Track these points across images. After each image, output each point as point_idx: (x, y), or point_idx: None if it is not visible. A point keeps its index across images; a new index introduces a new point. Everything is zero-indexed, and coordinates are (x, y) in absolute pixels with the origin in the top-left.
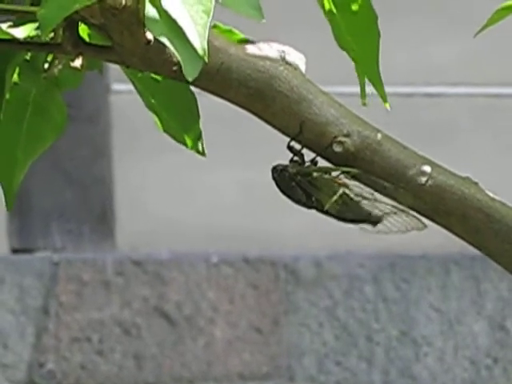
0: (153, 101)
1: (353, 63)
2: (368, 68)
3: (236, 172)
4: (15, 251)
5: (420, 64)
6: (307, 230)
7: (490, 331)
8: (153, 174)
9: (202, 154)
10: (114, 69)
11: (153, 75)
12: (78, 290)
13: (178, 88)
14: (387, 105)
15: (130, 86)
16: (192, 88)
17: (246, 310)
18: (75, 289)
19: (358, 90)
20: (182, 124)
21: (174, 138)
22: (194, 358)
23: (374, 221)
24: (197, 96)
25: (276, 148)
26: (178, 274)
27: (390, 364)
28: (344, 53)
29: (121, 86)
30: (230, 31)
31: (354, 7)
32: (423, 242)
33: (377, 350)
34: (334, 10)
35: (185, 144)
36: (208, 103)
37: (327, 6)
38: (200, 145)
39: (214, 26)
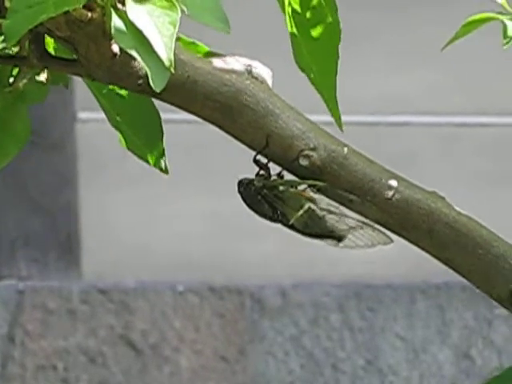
0: (117, 118)
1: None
2: (325, 90)
3: (202, 201)
4: None
5: (384, 93)
6: (273, 259)
7: (456, 360)
8: (119, 202)
9: (165, 171)
10: (81, 96)
11: (118, 91)
12: (43, 318)
13: (143, 105)
14: (342, 128)
15: (97, 115)
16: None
17: (211, 338)
18: (41, 317)
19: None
20: (146, 141)
21: (137, 155)
22: None
23: (338, 237)
24: (163, 124)
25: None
26: (144, 302)
27: None
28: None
29: (87, 115)
30: (193, 43)
31: (317, 30)
32: (388, 271)
33: (342, 379)
34: (296, 32)
35: (147, 161)
36: (175, 131)
37: (290, 29)
38: (163, 162)
39: (178, 39)
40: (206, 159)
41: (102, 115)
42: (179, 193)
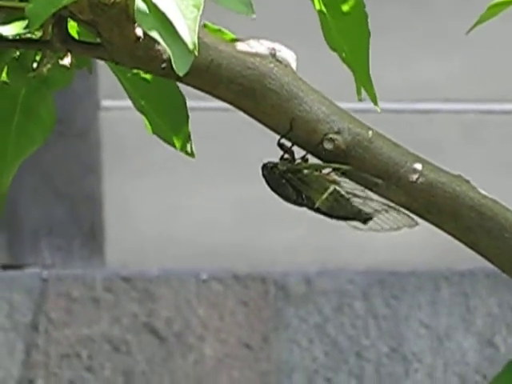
0: (142, 102)
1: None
2: (358, 69)
3: (225, 189)
4: (4, 267)
5: (410, 80)
6: (297, 246)
7: (480, 347)
8: (142, 190)
9: (191, 155)
10: (104, 85)
11: (142, 76)
12: (67, 306)
13: (168, 89)
14: (378, 107)
15: (120, 103)
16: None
17: (235, 326)
18: (65, 305)
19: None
20: (171, 125)
21: (163, 139)
22: (183, 375)
23: (365, 218)
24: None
25: None
26: (168, 290)
27: (379, 380)
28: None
29: (111, 103)
30: (219, 31)
31: (345, 7)
32: (412, 258)
33: (367, 367)
34: (325, 10)
35: (174, 145)
36: (197, 119)
37: (318, 6)
38: (189, 146)
39: (204, 26)
40: (229, 147)
41: (126, 103)
42: (203, 180)
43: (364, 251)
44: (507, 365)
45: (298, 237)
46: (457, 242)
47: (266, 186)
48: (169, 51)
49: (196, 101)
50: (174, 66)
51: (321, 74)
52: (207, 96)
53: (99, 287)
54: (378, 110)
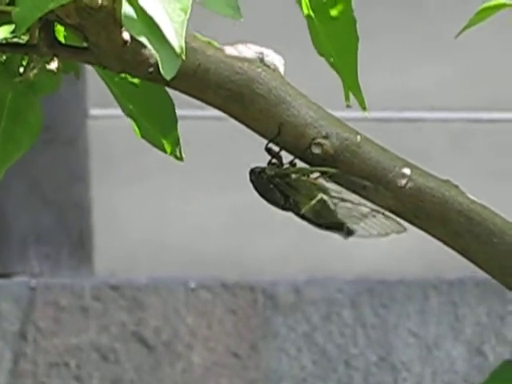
0: (130, 106)
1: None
2: (346, 74)
3: (214, 198)
4: None
5: (397, 89)
6: (285, 255)
7: (468, 356)
8: (130, 198)
9: (180, 158)
10: (92, 93)
11: (130, 80)
12: (55, 315)
13: (156, 93)
14: (366, 111)
15: (108, 111)
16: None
17: (224, 335)
18: (53, 314)
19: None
20: (160, 129)
21: (152, 143)
22: (171, 383)
23: (348, 231)
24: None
25: None
26: (156, 299)
27: None
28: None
29: (99, 111)
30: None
31: (333, 12)
32: (401, 267)
33: (355, 375)
34: (312, 15)
35: (163, 149)
36: (191, 128)
37: (306, 11)
38: (178, 150)
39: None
40: (218, 155)
41: (114, 112)
42: (191, 189)
43: (353, 260)
44: (492, 374)
45: (286, 246)
46: (446, 251)
47: (254, 191)
48: (156, 55)
49: (189, 110)
50: (161, 70)
51: (309, 79)
52: (200, 105)
53: (87, 296)
54: (367, 115)
